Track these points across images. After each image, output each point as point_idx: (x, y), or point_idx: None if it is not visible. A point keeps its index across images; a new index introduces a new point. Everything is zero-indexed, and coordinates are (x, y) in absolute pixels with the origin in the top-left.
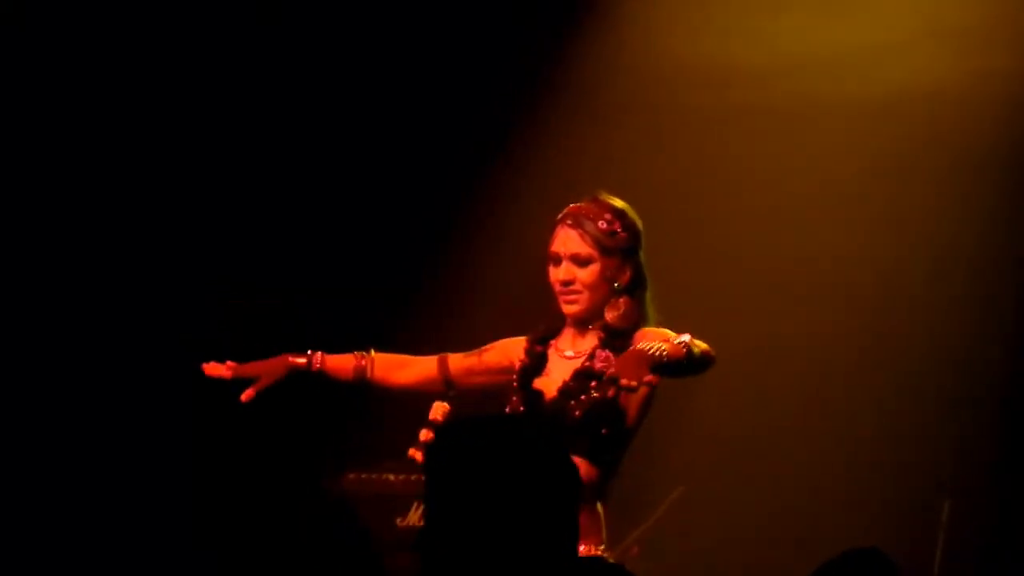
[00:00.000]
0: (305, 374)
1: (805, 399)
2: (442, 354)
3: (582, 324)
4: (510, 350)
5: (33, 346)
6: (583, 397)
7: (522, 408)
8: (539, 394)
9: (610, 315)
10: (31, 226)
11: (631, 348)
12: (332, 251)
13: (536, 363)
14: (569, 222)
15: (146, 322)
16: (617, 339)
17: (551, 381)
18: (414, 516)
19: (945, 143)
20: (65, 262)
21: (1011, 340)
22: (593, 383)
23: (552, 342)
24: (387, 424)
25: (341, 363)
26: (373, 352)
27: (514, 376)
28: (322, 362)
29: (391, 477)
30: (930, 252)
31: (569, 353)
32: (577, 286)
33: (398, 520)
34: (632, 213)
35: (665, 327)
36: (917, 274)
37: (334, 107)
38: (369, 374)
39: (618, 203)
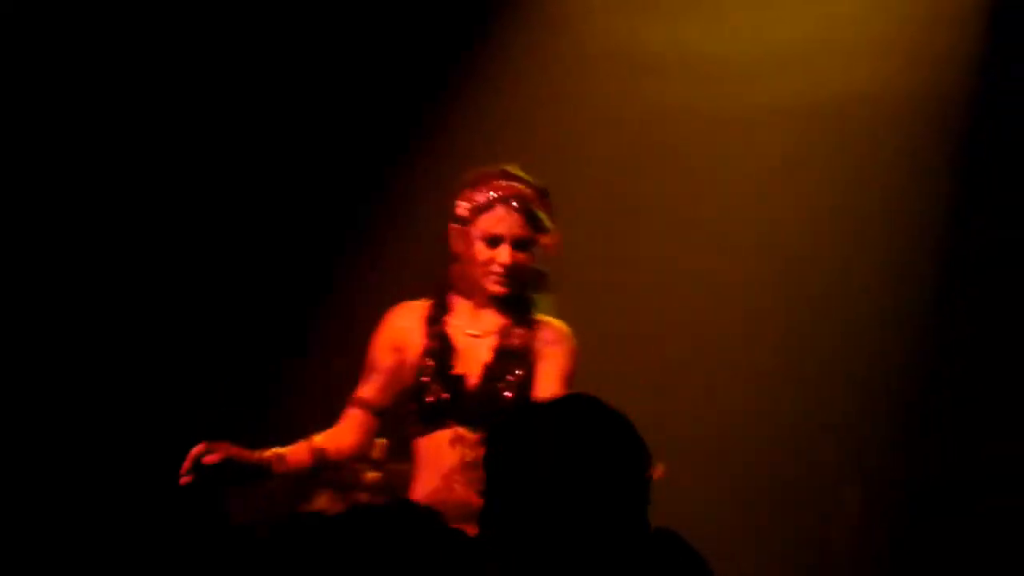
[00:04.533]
0: None
1: (714, 389)
2: (352, 398)
3: (487, 301)
4: (395, 340)
5: None
6: (510, 378)
7: (445, 395)
8: (461, 379)
9: (513, 298)
10: None
11: None
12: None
13: (444, 345)
14: (515, 204)
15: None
16: (521, 317)
17: (467, 363)
18: (320, 503)
19: (855, 144)
20: None
21: (919, 331)
22: (515, 362)
23: (445, 319)
24: (293, 408)
25: (298, 456)
26: (314, 439)
27: (424, 364)
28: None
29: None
30: (839, 248)
31: (473, 332)
32: (515, 270)
33: (303, 508)
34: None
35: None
36: (827, 270)
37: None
38: (324, 458)
39: (529, 178)
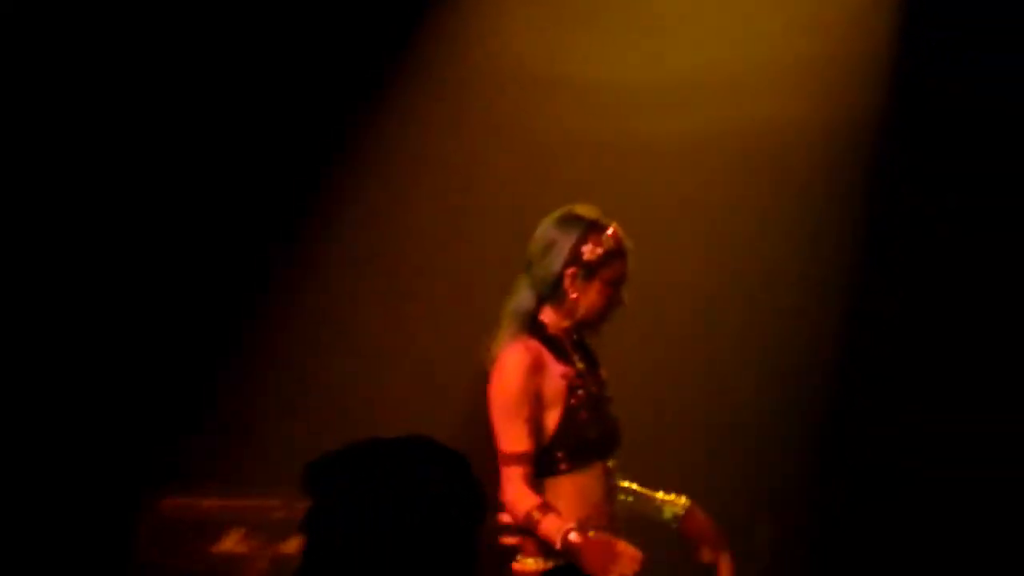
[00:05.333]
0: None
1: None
2: (509, 455)
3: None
4: (533, 387)
5: None
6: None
7: (603, 431)
8: (608, 414)
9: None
10: None
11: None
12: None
13: (584, 384)
14: (627, 253)
15: None
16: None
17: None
18: (230, 542)
19: (766, 172)
20: None
21: (831, 357)
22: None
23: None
24: (209, 446)
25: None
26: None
27: (577, 402)
28: None
29: (208, 502)
30: (751, 276)
31: (582, 367)
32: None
33: (214, 546)
34: None
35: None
36: (740, 297)
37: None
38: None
39: None
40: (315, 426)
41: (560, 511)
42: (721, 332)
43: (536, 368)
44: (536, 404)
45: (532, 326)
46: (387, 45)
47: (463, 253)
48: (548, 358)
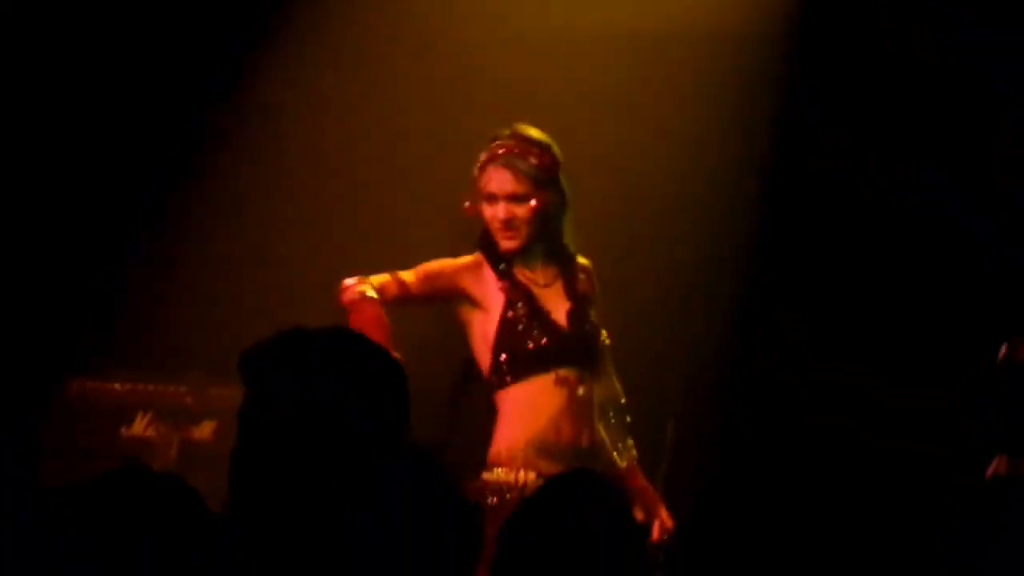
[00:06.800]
0: None
1: None
2: (395, 273)
3: (529, 253)
4: (462, 276)
5: None
6: (591, 320)
7: (545, 341)
8: (556, 323)
9: (553, 244)
10: None
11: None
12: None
13: (526, 293)
14: (501, 163)
15: None
16: (572, 259)
17: (550, 309)
18: (139, 426)
19: (678, 76)
20: None
21: (741, 269)
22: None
23: (512, 272)
24: (116, 331)
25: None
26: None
27: (515, 313)
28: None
29: (117, 386)
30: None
31: (541, 282)
32: (517, 223)
33: (123, 430)
34: (550, 140)
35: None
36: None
37: None
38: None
39: (537, 134)
40: (226, 314)
41: (511, 428)
42: (624, 243)
43: (468, 270)
44: (451, 292)
45: (483, 243)
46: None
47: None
48: (488, 271)
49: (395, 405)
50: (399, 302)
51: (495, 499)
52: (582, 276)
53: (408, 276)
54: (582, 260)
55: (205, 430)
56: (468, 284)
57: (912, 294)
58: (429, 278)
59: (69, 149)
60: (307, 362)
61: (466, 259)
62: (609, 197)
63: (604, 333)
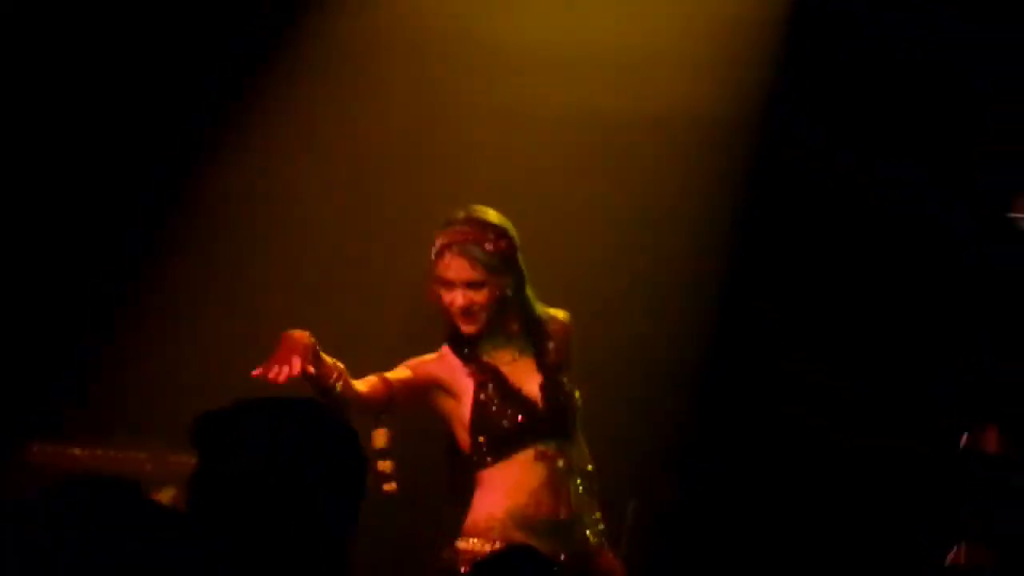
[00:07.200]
0: None
1: None
2: (380, 373)
3: (492, 333)
4: (429, 369)
5: None
6: (565, 387)
7: (521, 418)
8: (529, 399)
9: (516, 322)
10: None
11: None
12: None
13: (496, 374)
14: (456, 250)
15: None
16: (541, 331)
17: (522, 386)
18: None
19: (651, 156)
20: None
21: (703, 346)
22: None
23: (478, 353)
24: (78, 396)
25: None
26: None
27: (486, 396)
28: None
29: (77, 451)
30: (630, 260)
31: (508, 359)
32: (475, 308)
33: None
34: (506, 222)
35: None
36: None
37: None
38: (340, 387)
39: (492, 216)
40: (187, 386)
41: (490, 499)
42: (598, 299)
43: (435, 361)
44: (428, 385)
45: (446, 329)
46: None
47: (350, 221)
48: (454, 361)
49: (346, 484)
50: (385, 400)
51: (465, 568)
52: (552, 341)
53: (389, 376)
54: (558, 314)
55: (164, 497)
56: (438, 373)
57: (892, 293)
58: (402, 380)
59: (46, 212)
60: (260, 431)
61: (431, 355)
62: (576, 257)
63: (577, 394)
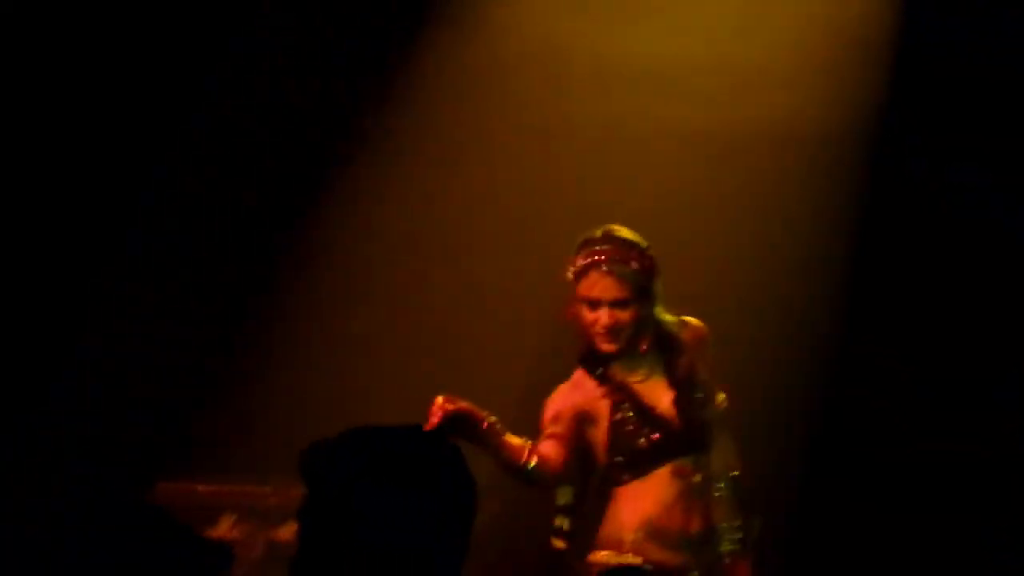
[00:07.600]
0: None
1: None
2: (532, 443)
3: (626, 353)
4: (574, 401)
5: None
6: (698, 402)
7: (656, 437)
8: (664, 417)
9: (646, 339)
10: None
11: None
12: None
13: (630, 393)
14: (604, 268)
15: None
16: (671, 346)
17: (655, 403)
18: (224, 527)
19: (769, 163)
20: None
21: (820, 366)
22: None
23: (610, 374)
24: (206, 435)
25: (512, 449)
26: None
27: (622, 416)
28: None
29: (201, 488)
30: (741, 275)
31: (639, 378)
32: (620, 327)
33: (208, 531)
34: (644, 240)
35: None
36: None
37: None
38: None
39: (630, 234)
40: (310, 415)
41: (624, 512)
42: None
43: (571, 391)
44: (576, 420)
45: (584, 354)
46: (397, 33)
47: (466, 242)
48: (588, 383)
49: (458, 512)
50: (560, 460)
51: None
52: (683, 354)
53: (550, 430)
54: (691, 322)
55: (290, 530)
56: (581, 404)
57: (966, 299)
58: (559, 420)
59: (178, 252)
60: (369, 461)
61: (564, 384)
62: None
63: (721, 396)
